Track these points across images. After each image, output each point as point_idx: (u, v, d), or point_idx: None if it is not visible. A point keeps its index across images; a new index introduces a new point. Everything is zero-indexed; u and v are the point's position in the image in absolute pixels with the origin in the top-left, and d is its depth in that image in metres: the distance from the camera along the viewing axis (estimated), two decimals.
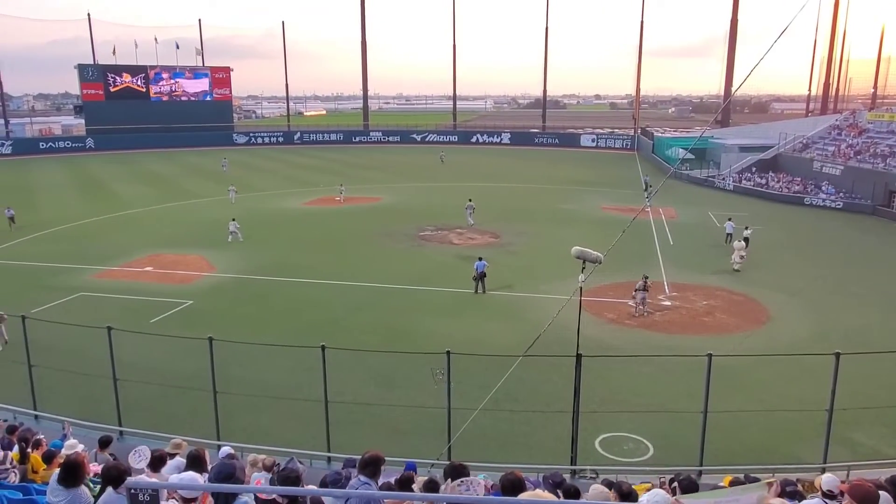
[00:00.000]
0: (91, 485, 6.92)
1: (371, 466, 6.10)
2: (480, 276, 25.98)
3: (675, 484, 7.79)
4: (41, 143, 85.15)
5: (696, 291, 26.39)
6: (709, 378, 12.13)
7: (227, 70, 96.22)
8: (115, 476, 6.16)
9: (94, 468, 8.89)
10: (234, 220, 36.12)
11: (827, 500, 6.68)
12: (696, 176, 58.65)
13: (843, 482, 6.86)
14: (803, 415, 14.26)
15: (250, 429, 14.80)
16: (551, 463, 12.33)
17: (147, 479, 6.84)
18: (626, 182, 57.79)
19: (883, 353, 17.23)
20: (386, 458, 11.53)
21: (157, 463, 8.53)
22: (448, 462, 6.49)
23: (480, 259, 26.42)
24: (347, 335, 20.78)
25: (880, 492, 6.13)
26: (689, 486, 7.59)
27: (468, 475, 5.78)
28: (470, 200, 40.23)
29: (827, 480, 6.97)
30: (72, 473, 6.42)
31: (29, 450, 9.09)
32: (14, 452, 9.01)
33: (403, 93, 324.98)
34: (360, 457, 6.44)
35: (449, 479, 6.64)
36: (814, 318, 23.48)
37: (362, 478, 6.04)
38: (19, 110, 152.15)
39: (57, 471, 6.67)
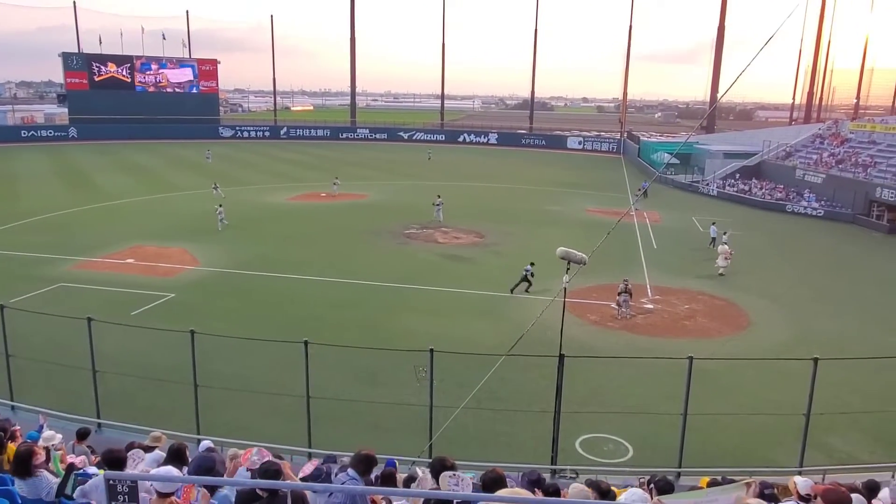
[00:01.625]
0: (51, 474, 6.89)
1: (363, 464, 6.06)
2: (523, 279, 25.91)
3: (652, 485, 7.86)
4: (23, 131, 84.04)
5: (678, 295, 26.61)
6: (689, 381, 12.26)
7: (214, 62, 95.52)
8: (115, 459, 6.21)
9: (72, 459, 8.80)
10: (220, 205, 36.97)
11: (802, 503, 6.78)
12: (681, 181, 59.13)
13: (817, 484, 6.95)
14: (781, 419, 14.43)
15: (231, 423, 14.72)
16: (532, 462, 12.38)
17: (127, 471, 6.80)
18: (611, 185, 58.10)
19: (860, 359, 17.50)
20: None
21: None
22: (435, 457, 6.48)
23: (533, 264, 26.19)
24: (331, 331, 20.69)
25: (855, 495, 6.23)
26: (666, 488, 7.66)
27: (455, 470, 5.79)
28: (438, 196, 40.84)
29: (802, 483, 7.07)
30: (21, 464, 6.43)
31: (8, 441, 8.99)
32: None
33: (391, 90, 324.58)
34: (337, 452, 6.42)
35: (428, 473, 6.64)
36: (793, 323, 23.76)
37: (350, 472, 6.01)
38: (1, 97, 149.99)
39: None
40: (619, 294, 23.93)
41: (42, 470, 6.72)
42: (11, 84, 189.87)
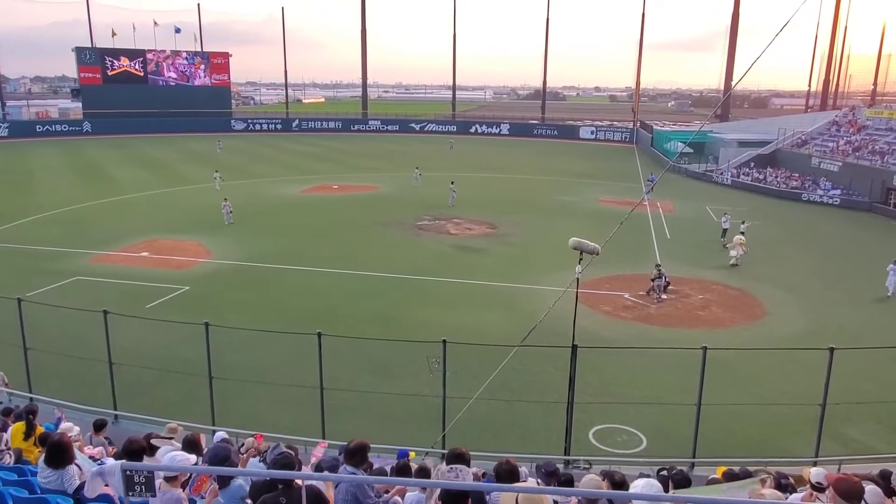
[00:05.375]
0: (79, 466, 6.97)
1: (358, 455, 6.04)
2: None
3: (664, 472, 7.84)
4: (38, 126, 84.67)
5: (692, 285, 26.45)
6: (703, 371, 12.20)
7: (226, 55, 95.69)
8: (135, 450, 6.29)
9: (90, 451, 8.92)
10: (226, 199, 37.05)
11: (816, 493, 6.75)
12: (695, 170, 58.61)
13: (830, 474, 6.91)
14: (796, 409, 14.35)
15: (245, 414, 14.83)
16: (545, 453, 12.40)
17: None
18: (624, 175, 57.74)
19: (876, 348, 17.33)
20: (381, 446, 11.60)
21: (152, 448, 8.57)
22: (448, 449, 6.49)
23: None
24: (344, 323, 20.80)
25: (870, 485, 6.18)
26: (682, 482, 7.64)
27: (468, 462, 5.79)
28: (452, 183, 42.43)
29: (815, 473, 7.05)
30: (57, 454, 6.49)
31: (35, 425, 9.15)
32: (17, 424, 9.05)
33: (403, 81, 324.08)
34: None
35: (443, 464, 6.66)
36: (809, 313, 23.56)
37: (349, 468, 6.00)
38: (16, 93, 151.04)
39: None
40: (653, 279, 24.29)
41: (73, 462, 6.80)
42: (26, 79, 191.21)
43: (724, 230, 33.90)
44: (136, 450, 6.42)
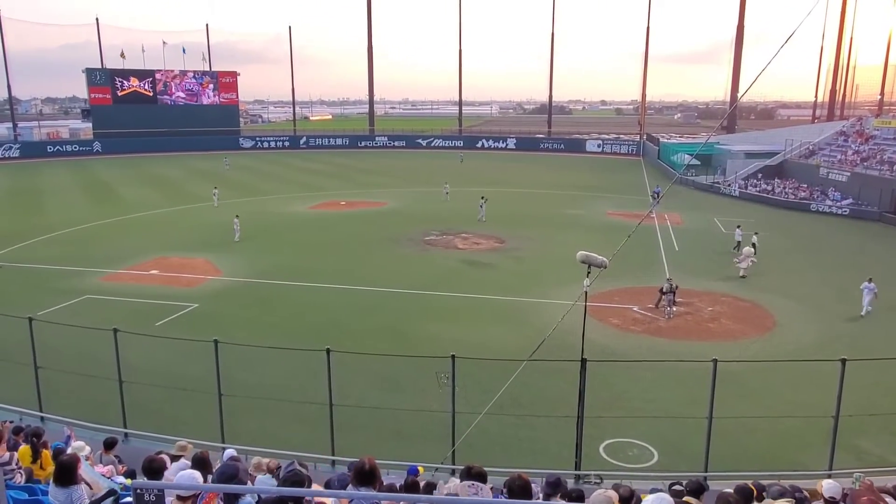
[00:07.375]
0: (89, 485, 6.99)
1: (370, 478, 5.84)
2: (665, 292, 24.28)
3: (677, 487, 7.76)
4: (49, 147, 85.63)
5: (701, 297, 26.32)
6: (714, 384, 12.11)
7: (234, 74, 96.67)
8: (156, 469, 6.33)
9: (101, 469, 8.92)
10: (237, 216, 37.22)
11: None
12: (702, 182, 58.51)
13: (852, 491, 6.82)
14: (809, 421, 14.21)
15: (255, 432, 14.81)
16: (555, 468, 12.30)
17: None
18: (631, 188, 57.70)
19: (889, 359, 17.13)
20: (391, 462, 11.56)
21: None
22: (464, 465, 6.44)
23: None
24: (352, 339, 20.78)
25: (888, 497, 6.12)
26: (697, 490, 7.56)
27: (485, 480, 5.75)
28: (482, 198, 42.75)
29: (828, 487, 6.95)
30: (66, 473, 6.54)
31: (40, 448, 9.17)
32: (25, 446, 9.07)
33: (409, 98, 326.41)
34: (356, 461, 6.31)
35: (454, 482, 6.63)
36: (820, 324, 23.38)
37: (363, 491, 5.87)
38: (27, 114, 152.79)
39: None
40: (664, 293, 24.13)
41: (81, 480, 6.83)
42: (37, 100, 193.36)
43: (738, 242, 33.67)
44: (157, 469, 6.50)
